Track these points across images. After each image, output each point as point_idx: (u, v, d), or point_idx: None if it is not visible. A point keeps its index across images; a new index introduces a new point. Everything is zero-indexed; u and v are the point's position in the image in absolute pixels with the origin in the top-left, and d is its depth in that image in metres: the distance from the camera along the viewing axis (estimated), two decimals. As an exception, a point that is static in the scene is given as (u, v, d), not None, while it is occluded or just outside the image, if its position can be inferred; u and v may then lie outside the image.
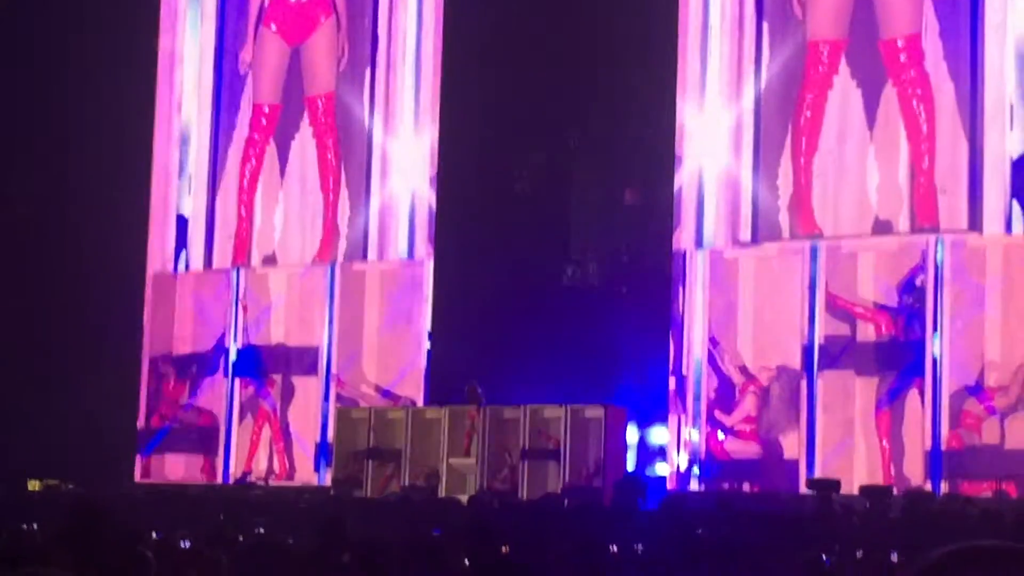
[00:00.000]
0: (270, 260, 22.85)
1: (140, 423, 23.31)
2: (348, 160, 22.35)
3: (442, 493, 18.63)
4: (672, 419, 19.56)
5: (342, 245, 22.26)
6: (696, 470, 19.34)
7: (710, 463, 19.35)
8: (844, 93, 19.17)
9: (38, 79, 23.02)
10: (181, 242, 23.61)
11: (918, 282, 18.45)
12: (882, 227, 18.78)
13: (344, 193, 22.31)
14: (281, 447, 22.21)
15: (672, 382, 19.56)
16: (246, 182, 23.18)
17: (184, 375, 23.16)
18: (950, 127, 18.49)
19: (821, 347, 18.84)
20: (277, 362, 22.43)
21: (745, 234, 19.59)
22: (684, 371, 19.60)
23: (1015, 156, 18.13)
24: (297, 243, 22.66)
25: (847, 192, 19.05)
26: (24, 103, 23.03)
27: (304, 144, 22.75)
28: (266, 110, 23.17)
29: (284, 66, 23.06)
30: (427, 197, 21.65)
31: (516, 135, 21.16)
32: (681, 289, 19.75)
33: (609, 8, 20.18)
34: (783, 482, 18.70)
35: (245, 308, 22.79)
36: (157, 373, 23.39)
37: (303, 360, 22.27)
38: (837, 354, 18.76)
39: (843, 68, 19.21)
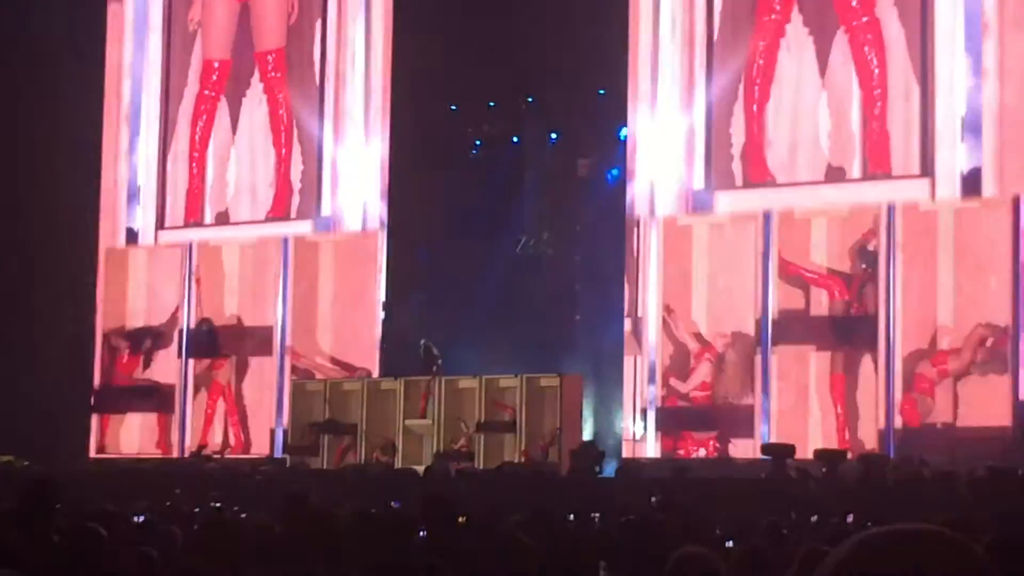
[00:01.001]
0: (223, 217, 22.79)
1: (93, 397, 23.24)
2: (300, 116, 22.29)
3: (399, 464, 18.63)
4: (627, 386, 19.60)
5: (295, 201, 22.22)
6: (653, 439, 19.41)
7: (666, 422, 19.39)
8: (796, 40, 19.22)
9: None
10: (133, 207, 23.49)
11: (871, 247, 18.52)
12: (835, 174, 18.88)
13: (296, 149, 22.26)
14: (236, 420, 22.17)
15: (628, 324, 19.57)
16: (198, 139, 23.08)
17: (138, 349, 23.07)
18: (901, 72, 18.58)
19: (775, 321, 18.88)
20: (231, 337, 22.35)
21: (698, 183, 19.61)
22: (639, 340, 19.64)
23: (964, 100, 18.22)
24: (250, 200, 22.60)
25: (800, 139, 19.12)
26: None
27: (255, 100, 22.67)
28: (216, 66, 23.07)
29: (234, 22, 22.96)
30: (380, 159, 21.61)
31: (470, 103, 21.11)
32: (635, 257, 19.77)
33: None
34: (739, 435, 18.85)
35: (198, 281, 22.70)
36: (110, 347, 23.30)
37: (257, 334, 22.21)
38: (791, 328, 18.84)
39: (795, 15, 19.25)
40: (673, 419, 19.42)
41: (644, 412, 19.48)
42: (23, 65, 22.63)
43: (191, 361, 22.67)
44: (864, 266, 18.53)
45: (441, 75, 20.71)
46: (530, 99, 21.19)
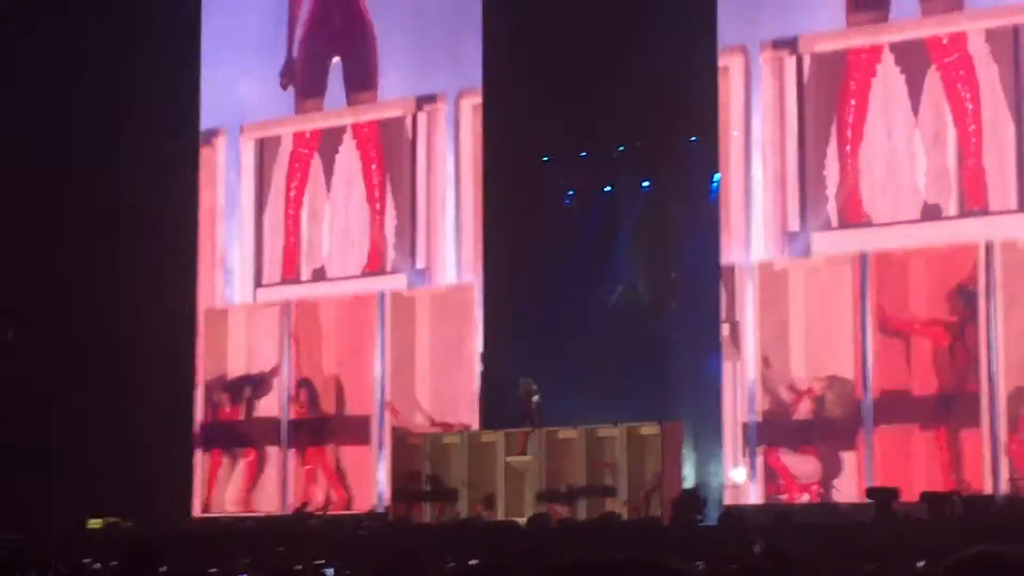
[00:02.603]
0: (319, 273, 22.95)
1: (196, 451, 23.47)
2: (392, 171, 22.45)
3: (500, 514, 18.60)
4: (727, 432, 19.51)
5: (390, 255, 22.35)
6: (754, 485, 19.29)
7: (769, 476, 19.28)
8: (888, 79, 19.14)
9: (84, 116, 23.20)
10: (232, 267, 23.73)
11: (970, 288, 18.35)
12: (931, 212, 18.74)
13: (390, 202, 22.40)
14: (336, 477, 22.25)
15: (726, 369, 19.53)
16: (292, 196, 23.29)
17: (238, 399, 23.25)
18: (995, 108, 18.45)
19: (875, 367, 18.73)
20: (328, 395, 22.50)
21: (794, 225, 19.55)
22: (738, 386, 19.57)
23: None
24: (345, 256, 22.76)
25: (895, 179, 19.02)
26: (74, 137, 23.22)
27: (348, 156, 22.85)
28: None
29: (325, 80, 23.19)
30: (474, 211, 21.72)
31: (563, 153, 21.14)
32: (732, 303, 19.72)
33: (646, 16, 20.10)
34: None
35: (297, 341, 22.86)
36: (212, 402, 23.49)
37: (358, 391, 22.31)
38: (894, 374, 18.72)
39: (885, 54, 19.17)
40: (775, 464, 19.27)
41: (745, 458, 19.35)
42: (123, 132, 22.95)
43: (290, 419, 22.80)
44: (964, 307, 18.35)
45: (533, 126, 20.78)
46: (621, 148, 21.19)
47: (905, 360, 18.64)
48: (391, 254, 22.39)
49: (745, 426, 19.42)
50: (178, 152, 23.49)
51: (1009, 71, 18.42)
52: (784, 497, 19.08)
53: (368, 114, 22.73)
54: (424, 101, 22.28)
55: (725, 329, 19.68)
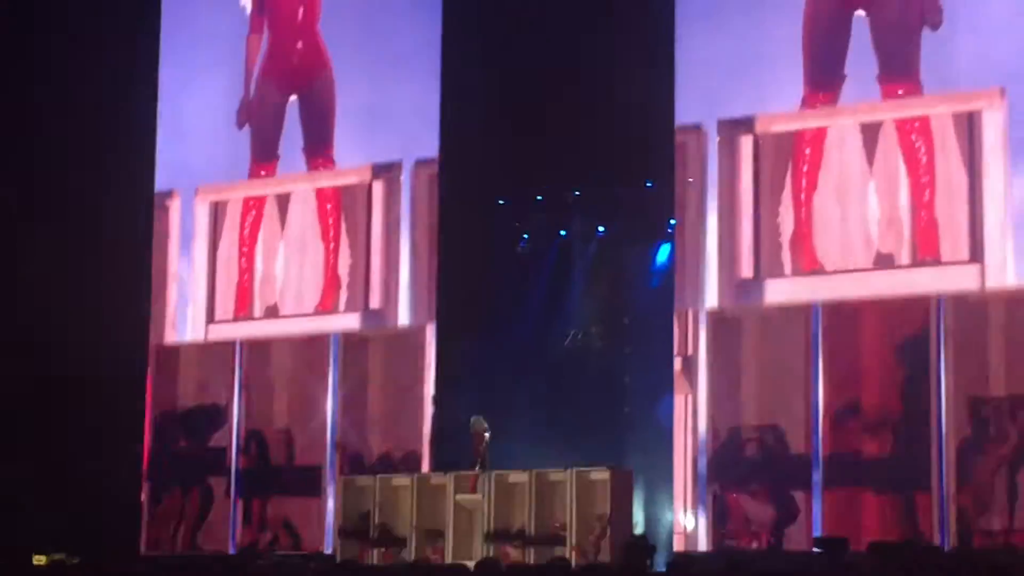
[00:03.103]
0: (272, 311, 22.89)
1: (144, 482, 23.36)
2: (347, 215, 22.43)
3: (449, 556, 18.53)
4: (678, 478, 19.53)
5: (343, 296, 22.31)
6: (704, 532, 19.32)
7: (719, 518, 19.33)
8: (842, 128, 19.25)
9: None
10: (183, 304, 23.66)
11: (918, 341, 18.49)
12: (884, 261, 18.86)
13: (344, 242, 22.38)
14: (283, 529, 22.16)
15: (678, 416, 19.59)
16: (246, 234, 23.25)
17: (190, 434, 23.15)
18: (949, 159, 18.60)
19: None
20: (278, 445, 22.46)
21: (747, 272, 19.64)
22: (689, 432, 19.60)
23: (1014, 187, 18.25)
24: (298, 293, 22.71)
25: (848, 228, 19.13)
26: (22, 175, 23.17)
27: (304, 194, 22.81)
28: (266, 166, 23.28)
29: (282, 118, 23.17)
30: (428, 253, 21.73)
31: (517, 197, 21.17)
32: (684, 350, 19.79)
33: (607, 75, 20.21)
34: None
35: (248, 383, 22.81)
36: (161, 437, 23.38)
37: (308, 437, 22.26)
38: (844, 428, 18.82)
39: (840, 104, 19.30)
40: (726, 510, 19.31)
41: (695, 504, 19.39)
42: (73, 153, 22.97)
43: (239, 461, 22.71)
44: (913, 360, 18.48)
45: (488, 169, 20.81)
46: (576, 192, 21.24)
47: (856, 414, 18.73)
48: (344, 294, 22.37)
49: (695, 463, 19.46)
50: (132, 211, 23.47)
51: (964, 121, 18.59)
52: (734, 543, 19.10)
53: (324, 180, 22.69)
54: (381, 170, 22.28)
55: (677, 363, 19.75)
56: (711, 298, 19.82)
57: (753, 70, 19.77)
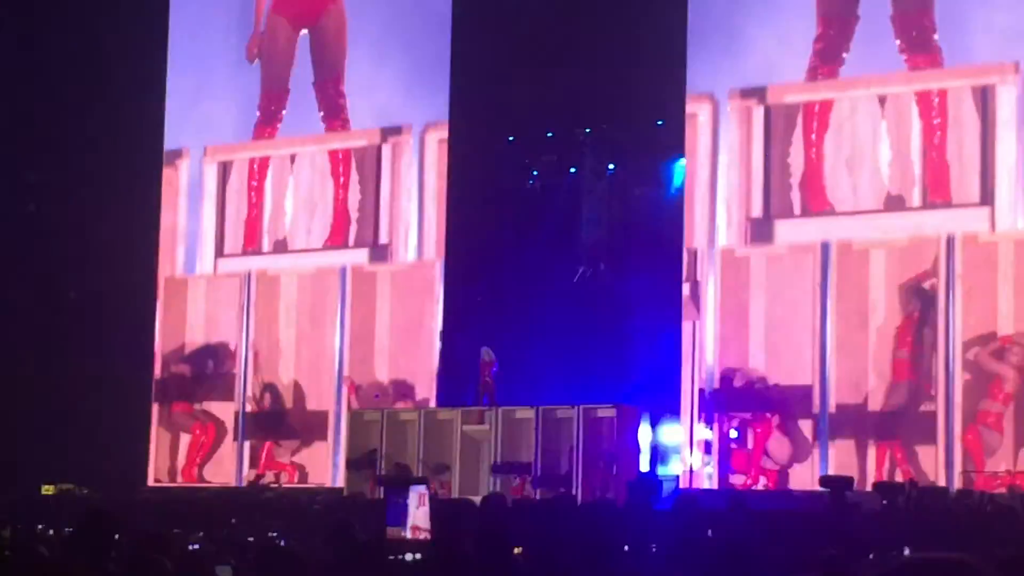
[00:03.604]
0: (281, 245, 22.90)
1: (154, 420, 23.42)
2: (357, 144, 22.41)
3: (455, 493, 18.60)
4: (685, 416, 19.56)
5: (353, 230, 22.32)
6: (710, 468, 19.36)
7: (725, 459, 19.36)
8: (854, 68, 19.17)
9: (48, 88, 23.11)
10: (194, 238, 23.65)
11: (927, 286, 18.43)
12: (894, 203, 18.80)
13: (354, 178, 22.36)
14: (292, 466, 22.23)
15: (685, 354, 19.58)
16: (256, 168, 23.23)
17: (198, 372, 23.18)
18: (962, 102, 18.52)
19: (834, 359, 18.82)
20: (287, 391, 22.51)
21: (756, 211, 19.59)
22: (696, 370, 19.62)
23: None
24: (308, 228, 22.71)
25: (859, 168, 19.06)
26: (39, 108, 23.12)
27: (314, 129, 22.79)
28: (276, 97, 23.23)
29: (293, 52, 23.12)
30: (436, 189, 21.70)
31: (528, 134, 21.10)
32: (693, 288, 19.78)
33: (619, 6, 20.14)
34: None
35: (256, 316, 22.85)
36: (171, 372, 23.42)
37: (317, 373, 22.30)
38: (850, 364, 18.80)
39: (854, 44, 19.20)
40: (730, 448, 19.35)
41: (703, 443, 19.42)
42: (88, 101, 22.88)
43: (246, 392, 22.77)
44: (922, 304, 18.45)
45: (499, 106, 20.74)
46: (587, 130, 21.16)
47: (864, 355, 18.72)
48: (354, 228, 22.37)
49: (702, 400, 19.48)
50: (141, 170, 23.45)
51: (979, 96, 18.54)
52: (742, 481, 19.14)
53: (334, 143, 22.63)
54: (390, 133, 22.23)
55: (685, 289, 19.74)
56: (721, 237, 19.78)
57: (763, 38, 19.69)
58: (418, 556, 12.23)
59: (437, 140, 21.77)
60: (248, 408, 22.65)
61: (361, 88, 22.43)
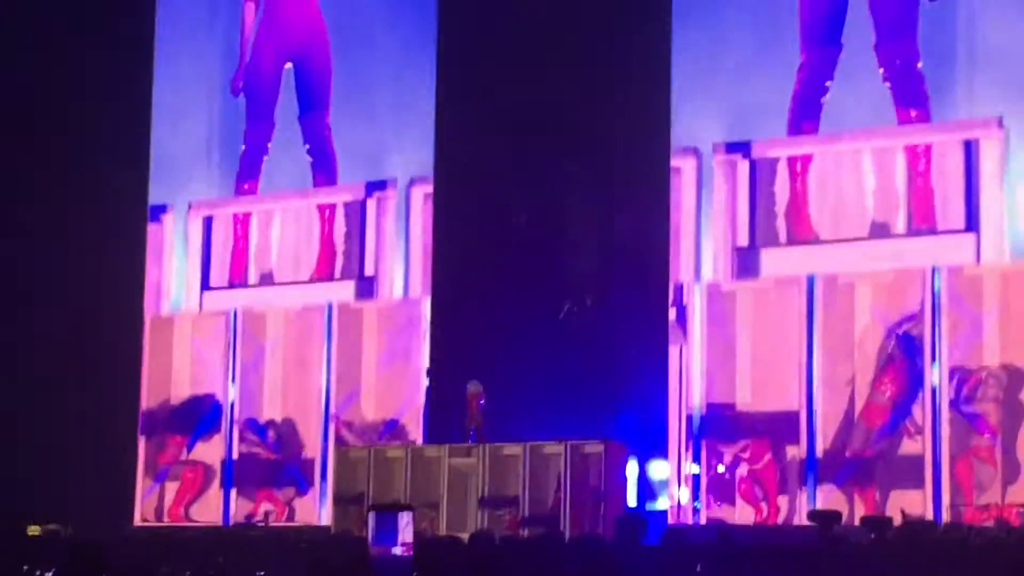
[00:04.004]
0: (267, 278, 22.90)
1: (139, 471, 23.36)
2: (344, 178, 22.43)
3: (443, 530, 18.55)
4: (672, 452, 19.55)
5: (339, 262, 22.32)
6: (698, 503, 19.34)
7: (713, 493, 19.36)
8: (839, 96, 19.21)
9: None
10: (179, 276, 23.68)
11: (913, 331, 18.47)
12: (879, 230, 18.83)
13: (340, 211, 22.38)
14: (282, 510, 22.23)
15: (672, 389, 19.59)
16: (240, 217, 23.25)
17: (185, 431, 23.17)
18: (947, 128, 18.58)
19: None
20: (274, 407, 22.50)
21: (742, 239, 19.61)
22: (683, 407, 19.62)
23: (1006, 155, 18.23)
24: (294, 260, 22.72)
25: (844, 196, 19.09)
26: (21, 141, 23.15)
27: (300, 161, 22.79)
28: (262, 129, 23.26)
29: (278, 84, 23.16)
30: (423, 223, 21.72)
31: (512, 167, 21.10)
32: (679, 322, 19.80)
33: (604, 41, 20.19)
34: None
35: (242, 358, 22.85)
36: (157, 431, 23.40)
37: (303, 402, 22.29)
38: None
39: (837, 72, 19.27)
40: (719, 484, 19.34)
41: (689, 478, 19.41)
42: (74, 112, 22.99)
43: (234, 433, 22.75)
44: (900, 351, 18.51)
45: (489, 147, 20.76)
46: (573, 164, 21.14)
47: (850, 390, 18.74)
48: (340, 260, 22.38)
49: (689, 435, 19.49)
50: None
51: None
52: (729, 513, 19.13)
53: (321, 197, 22.64)
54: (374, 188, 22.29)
55: (672, 313, 19.76)
56: (707, 270, 19.81)
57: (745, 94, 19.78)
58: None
59: (423, 195, 21.79)
60: (236, 453, 22.63)
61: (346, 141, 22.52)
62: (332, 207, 22.48)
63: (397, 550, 15.89)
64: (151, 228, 23.78)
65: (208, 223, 23.56)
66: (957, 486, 17.99)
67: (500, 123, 20.53)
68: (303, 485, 22.05)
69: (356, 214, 22.31)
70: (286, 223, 22.85)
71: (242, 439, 22.67)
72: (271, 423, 22.51)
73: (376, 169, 22.28)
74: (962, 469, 17.99)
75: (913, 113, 18.80)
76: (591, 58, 20.19)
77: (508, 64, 20.54)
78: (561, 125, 20.26)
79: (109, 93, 23.14)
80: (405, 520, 16.60)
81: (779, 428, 19.04)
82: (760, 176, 19.65)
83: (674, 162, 20.02)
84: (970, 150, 18.47)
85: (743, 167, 19.74)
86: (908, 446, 18.32)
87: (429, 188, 21.69)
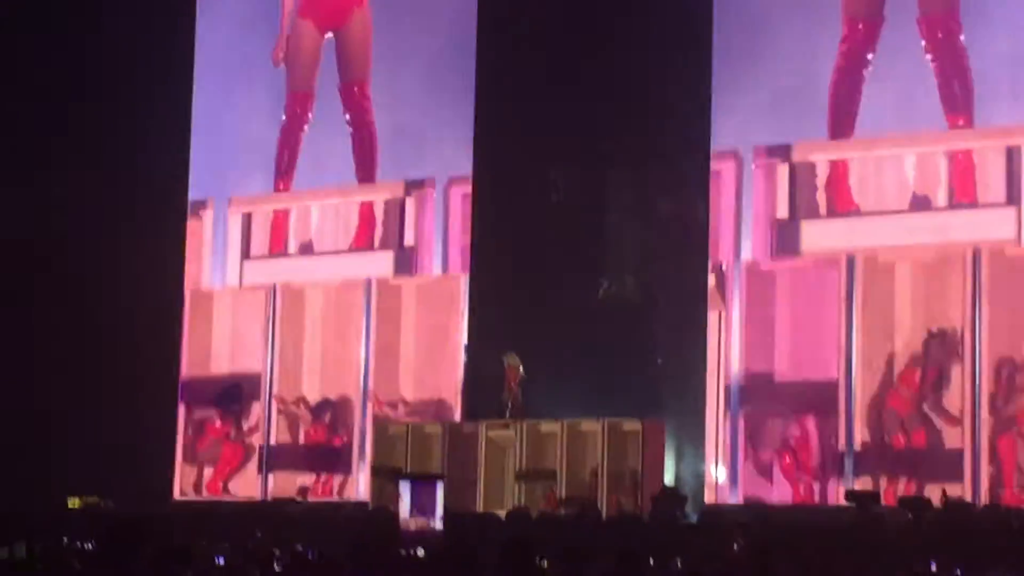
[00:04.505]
0: (307, 248, 22.95)
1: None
2: (384, 148, 22.46)
3: (479, 507, 18.59)
4: (711, 431, 19.52)
5: (378, 232, 22.34)
6: (735, 484, 19.33)
7: (751, 472, 19.33)
8: (880, 70, 19.12)
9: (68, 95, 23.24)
10: (220, 242, 23.74)
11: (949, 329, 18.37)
12: (920, 203, 18.73)
13: (381, 179, 22.42)
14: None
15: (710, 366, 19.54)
16: (283, 169, 23.31)
17: (227, 413, 23.25)
18: (989, 100, 18.46)
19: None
20: (313, 384, 22.57)
21: (782, 212, 19.52)
22: (722, 387, 19.59)
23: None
24: (333, 231, 22.75)
25: (885, 169, 18.99)
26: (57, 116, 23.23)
27: (340, 132, 22.80)
28: (301, 99, 23.29)
29: (319, 55, 23.19)
30: (463, 198, 21.71)
31: (550, 146, 21.08)
32: (719, 301, 19.76)
33: (642, 20, 20.17)
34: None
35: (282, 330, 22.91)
36: (198, 405, 23.51)
37: (343, 379, 22.35)
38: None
39: (880, 45, 19.16)
40: (757, 463, 19.31)
41: (728, 457, 19.39)
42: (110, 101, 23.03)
43: (273, 405, 22.82)
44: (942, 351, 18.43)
45: (528, 126, 20.75)
46: (613, 140, 21.11)
47: (888, 371, 18.68)
48: (379, 231, 22.39)
49: (728, 413, 19.45)
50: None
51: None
52: (768, 491, 19.10)
53: (357, 195, 22.65)
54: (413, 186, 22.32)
55: (711, 279, 19.73)
56: (746, 249, 19.74)
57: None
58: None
59: (461, 195, 21.79)
60: (275, 430, 22.72)
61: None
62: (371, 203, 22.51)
63: (431, 523, 15.99)
64: (191, 225, 23.90)
65: (247, 219, 23.66)
66: (998, 471, 17.88)
67: (539, 105, 20.50)
68: (344, 462, 22.11)
69: (395, 209, 22.34)
70: (325, 215, 22.88)
71: (281, 414, 22.74)
72: (308, 400, 22.58)
73: (415, 147, 22.29)
74: (1006, 443, 17.87)
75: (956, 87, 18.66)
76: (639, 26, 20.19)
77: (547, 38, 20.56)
78: (602, 105, 20.23)
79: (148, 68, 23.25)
80: (437, 491, 16.72)
81: (818, 405, 18.97)
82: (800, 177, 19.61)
83: (714, 164, 19.95)
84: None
85: (783, 168, 19.71)
86: (948, 436, 18.22)
87: (468, 188, 21.65)
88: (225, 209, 23.78)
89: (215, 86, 24.08)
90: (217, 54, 24.12)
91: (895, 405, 18.56)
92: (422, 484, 17.98)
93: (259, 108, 23.69)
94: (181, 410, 23.57)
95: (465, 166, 21.65)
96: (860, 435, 18.73)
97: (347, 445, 22.12)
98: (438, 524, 17.20)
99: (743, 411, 19.47)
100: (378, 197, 22.46)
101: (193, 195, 24.00)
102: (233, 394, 23.17)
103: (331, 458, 22.23)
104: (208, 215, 23.90)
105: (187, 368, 23.65)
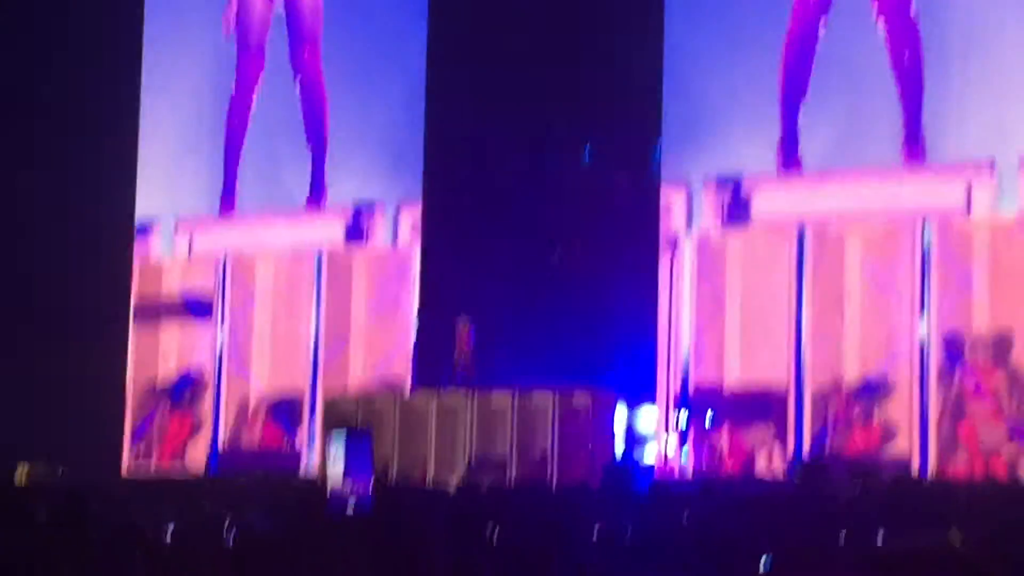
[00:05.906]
0: (254, 206, 22.90)
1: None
2: (335, 112, 22.36)
3: (429, 481, 18.59)
4: (660, 403, 19.57)
5: (329, 195, 22.24)
6: (684, 456, 19.38)
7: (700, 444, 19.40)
8: (833, 33, 19.13)
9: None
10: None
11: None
12: (872, 168, 18.73)
13: (331, 143, 22.36)
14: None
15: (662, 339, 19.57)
16: (234, 134, 23.23)
17: (178, 402, 23.19)
18: (938, 64, 18.49)
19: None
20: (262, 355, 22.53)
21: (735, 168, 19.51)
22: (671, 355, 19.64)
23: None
24: (285, 192, 22.65)
25: (835, 129, 19.01)
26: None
27: (291, 95, 22.71)
28: (251, 63, 23.18)
29: (268, 19, 23.08)
30: (415, 161, 21.67)
31: (502, 114, 21.07)
32: (669, 272, 19.79)
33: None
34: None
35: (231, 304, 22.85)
36: (152, 401, 23.44)
37: (288, 348, 22.31)
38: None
39: (832, 9, 19.16)
40: (707, 437, 19.39)
41: (677, 428, 19.45)
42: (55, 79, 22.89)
43: (223, 383, 22.79)
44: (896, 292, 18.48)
45: (480, 96, 20.74)
46: (566, 109, 21.12)
47: (837, 342, 18.75)
48: (330, 194, 22.35)
49: (679, 385, 19.50)
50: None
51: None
52: (717, 464, 19.17)
53: (314, 223, 22.58)
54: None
55: (664, 253, 19.76)
56: (698, 217, 19.75)
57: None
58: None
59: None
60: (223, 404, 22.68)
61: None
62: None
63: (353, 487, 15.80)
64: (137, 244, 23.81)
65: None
66: (942, 441, 17.98)
67: (492, 77, 20.48)
68: (293, 433, 22.09)
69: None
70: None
71: (229, 388, 22.71)
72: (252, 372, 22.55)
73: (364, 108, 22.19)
74: (966, 432, 17.92)
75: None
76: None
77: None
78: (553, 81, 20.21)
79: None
80: (363, 447, 16.45)
81: (768, 382, 19.05)
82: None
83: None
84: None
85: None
86: (894, 406, 18.32)
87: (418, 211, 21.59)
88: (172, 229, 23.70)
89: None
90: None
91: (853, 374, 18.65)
92: (355, 441, 17.88)
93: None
94: (129, 384, 23.50)
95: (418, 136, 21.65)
96: (809, 408, 18.82)
97: (298, 411, 22.10)
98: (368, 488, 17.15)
99: (694, 383, 19.53)
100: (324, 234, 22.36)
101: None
102: (183, 386, 23.13)
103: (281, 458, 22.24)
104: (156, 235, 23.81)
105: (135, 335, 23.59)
